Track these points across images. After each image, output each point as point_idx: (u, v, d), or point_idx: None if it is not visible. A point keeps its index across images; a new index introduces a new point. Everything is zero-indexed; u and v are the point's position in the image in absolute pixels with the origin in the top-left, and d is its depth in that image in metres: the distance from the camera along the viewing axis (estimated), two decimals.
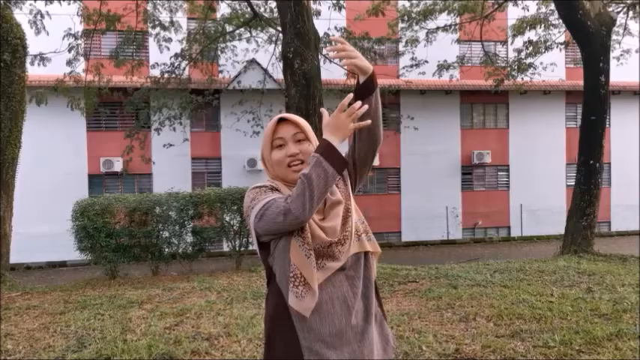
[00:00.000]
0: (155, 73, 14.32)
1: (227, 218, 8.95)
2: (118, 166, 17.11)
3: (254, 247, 1.73)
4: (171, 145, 14.42)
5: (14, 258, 9.32)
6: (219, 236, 9.07)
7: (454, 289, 5.94)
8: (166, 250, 8.62)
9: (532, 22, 14.16)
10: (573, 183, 10.40)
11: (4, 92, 7.81)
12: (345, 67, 15.76)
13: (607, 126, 10.39)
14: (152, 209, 8.40)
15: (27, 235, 14.22)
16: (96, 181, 17.71)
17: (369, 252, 1.72)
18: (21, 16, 9.94)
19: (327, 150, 1.55)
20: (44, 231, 15.34)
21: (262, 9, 14.16)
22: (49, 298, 6.34)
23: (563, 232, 10.22)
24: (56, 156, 16.76)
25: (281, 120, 1.72)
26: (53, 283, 8.99)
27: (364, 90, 1.68)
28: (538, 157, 20.29)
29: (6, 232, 8.10)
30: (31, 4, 10.75)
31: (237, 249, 8.97)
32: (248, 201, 1.66)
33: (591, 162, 9.65)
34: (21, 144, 8.23)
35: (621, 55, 15.12)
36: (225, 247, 9.88)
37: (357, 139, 1.73)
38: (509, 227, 20.67)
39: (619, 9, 13.36)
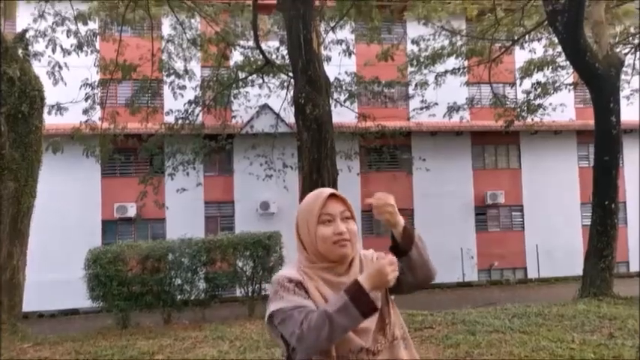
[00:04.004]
0: (169, 119, 14.57)
1: (240, 264, 8.94)
2: (131, 211, 17.23)
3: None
4: (184, 189, 14.54)
5: (27, 306, 9.30)
6: (232, 282, 9.04)
7: (472, 335, 5.80)
8: (179, 297, 8.58)
9: (539, 65, 14.31)
10: (589, 223, 10.27)
11: (22, 142, 7.99)
12: (356, 111, 16.05)
13: (620, 165, 10.34)
14: (165, 256, 8.42)
15: (40, 283, 14.17)
16: (109, 227, 17.81)
17: None
18: (40, 67, 10.24)
19: (357, 295, 1.49)
20: (57, 278, 15.33)
21: (274, 56, 14.47)
22: (61, 350, 6.29)
23: (581, 272, 10.03)
24: (70, 203, 16.93)
25: (329, 195, 1.69)
26: (65, 331, 8.93)
27: (403, 244, 1.68)
28: (552, 196, 20.12)
29: (19, 281, 8.13)
30: (49, 56, 11.07)
31: (250, 295, 8.90)
32: (272, 292, 1.62)
33: (606, 203, 9.55)
34: (36, 193, 8.34)
35: (631, 94, 15.15)
36: (238, 292, 9.82)
37: (407, 271, 1.70)
38: (525, 268, 20.31)
39: (626, 50, 13.48)
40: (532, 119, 15.55)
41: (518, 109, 15.62)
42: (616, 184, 9.68)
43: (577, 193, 20.36)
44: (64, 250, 15.54)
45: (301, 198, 11.03)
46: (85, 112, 12.64)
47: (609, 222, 9.50)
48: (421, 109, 15.63)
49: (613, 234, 9.53)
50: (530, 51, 14.99)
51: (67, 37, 11.49)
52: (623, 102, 10.96)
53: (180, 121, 14.27)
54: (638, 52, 13.87)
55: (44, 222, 14.32)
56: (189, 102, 14.37)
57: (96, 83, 12.76)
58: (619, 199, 10.06)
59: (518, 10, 13.83)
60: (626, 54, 13.18)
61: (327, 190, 1.71)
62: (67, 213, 16.80)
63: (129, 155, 16.86)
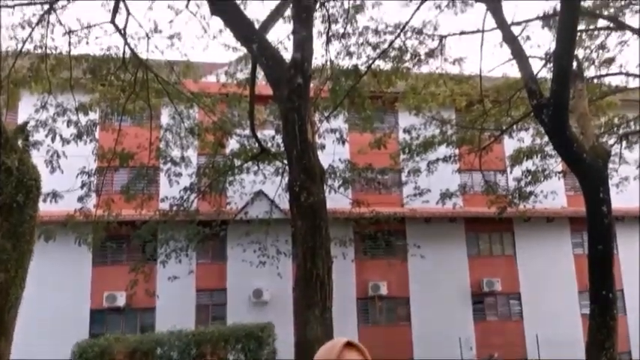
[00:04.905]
0: (164, 206, 14.61)
1: (231, 358, 8.64)
2: (121, 300, 16.81)
3: None
4: (175, 277, 14.31)
5: None
6: None
7: None
8: None
9: (528, 153, 14.67)
10: (587, 312, 10.09)
11: (14, 232, 7.92)
12: (350, 198, 16.16)
13: (615, 253, 10.31)
14: (153, 350, 8.15)
15: None
16: (98, 316, 17.28)
17: None
18: (37, 155, 10.37)
19: None
20: None
21: (269, 144, 14.78)
22: None
23: None
24: (60, 291, 16.52)
25: (345, 344, 1.70)
26: None
27: None
28: (549, 284, 19.89)
29: None
30: (48, 145, 11.26)
31: None
32: None
33: (604, 293, 9.43)
34: (25, 284, 8.16)
35: (620, 182, 15.42)
36: None
37: None
38: None
39: (612, 140, 13.90)
40: (524, 206, 15.70)
41: (510, 196, 15.81)
42: (612, 274, 9.61)
43: (574, 281, 20.14)
44: (50, 341, 14.94)
45: (295, 285, 10.83)
46: (80, 199, 12.66)
47: (608, 313, 9.33)
48: (414, 195, 15.80)
49: (613, 325, 9.33)
50: (518, 140, 15.42)
51: (67, 126, 11.77)
52: (613, 190, 11.13)
53: (175, 208, 14.30)
54: (624, 142, 14.29)
55: (31, 312, 13.94)
56: (185, 189, 14.48)
57: (93, 171, 12.90)
58: (616, 288, 9.95)
59: (505, 102, 14.39)
60: (612, 145, 13.57)
61: (342, 340, 1.72)
62: (55, 302, 16.35)
63: (121, 242, 16.76)
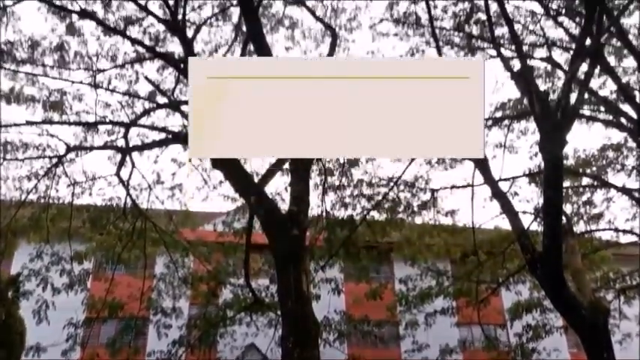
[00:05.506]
0: None
1: None
2: None
3: None
4: None
5: None
6: None
7: None
8: None
9: (527, 307, 14.42)
10: None
11: None
12: (346, 353, 15.44)
13: None
14: None
15: None
16: None
17: None
18: (26, 303, 10.16)
19: None
20: None
21: (264, 294, 14.54)
22: None
23: None
24: None
25: None
26: None
27: None
28: None
29: None
30: (38, 295, 11.06)
31: None
32: None
33: None
34: None
35: (623, 339, 14.98)
36: None
37: None
38: None
39: (610, 296, 13.76)
40: None
41: (513, 353, 15.22)
42: None
43: None
44: None
45: None
46: (65, 353, 12.11)
47: None
48: (413, 350, 15.23)
49: None
50: (516, 293, 15.23)
51: (60, 276, 11.65)
52: (616, 347, 10.73)
53: None
54: (621, 297, 14.13)
55: None
56: (174, 342, 13.90)
57: (80, 322, 12.50)
58: None
59: (499, 254, 14.46)
60: (610, 300, 13.40)
61: None
62: None
63: None
